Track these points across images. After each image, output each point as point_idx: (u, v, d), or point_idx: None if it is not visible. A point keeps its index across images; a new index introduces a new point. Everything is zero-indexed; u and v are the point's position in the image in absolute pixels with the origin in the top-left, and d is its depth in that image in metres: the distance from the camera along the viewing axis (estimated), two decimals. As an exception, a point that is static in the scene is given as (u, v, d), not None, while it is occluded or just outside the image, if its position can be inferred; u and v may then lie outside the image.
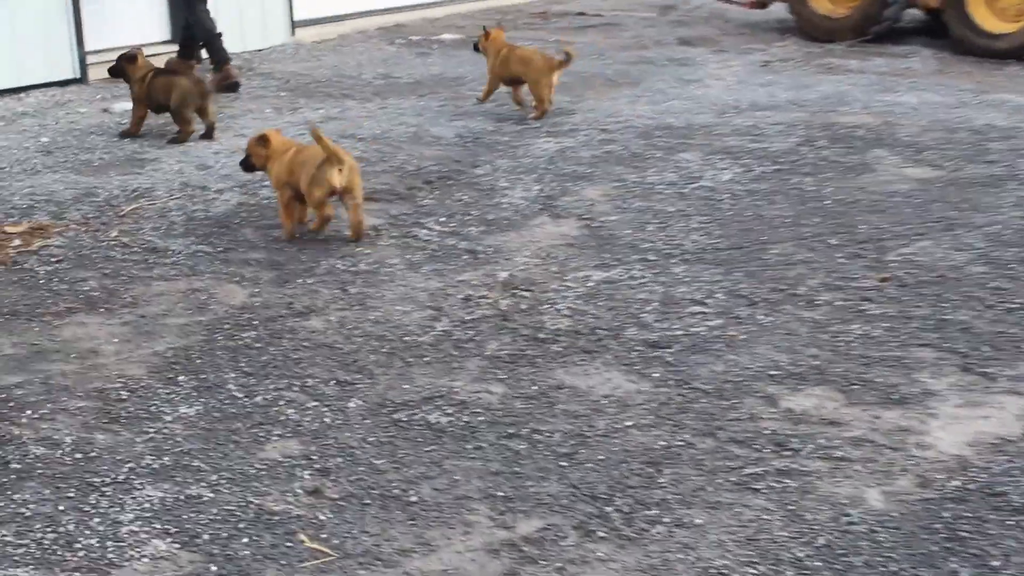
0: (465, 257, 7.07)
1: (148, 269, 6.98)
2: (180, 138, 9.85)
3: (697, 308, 6.24)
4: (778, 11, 14.97)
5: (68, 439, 5.02)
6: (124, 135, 9.97)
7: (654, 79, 12.31)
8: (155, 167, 9.13)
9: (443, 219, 7.76)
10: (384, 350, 5.82)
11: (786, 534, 4.25)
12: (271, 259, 7.09)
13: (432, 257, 7.08)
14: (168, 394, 5.41)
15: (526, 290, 6.53)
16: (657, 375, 5.51)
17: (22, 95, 11.64)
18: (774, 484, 4.57)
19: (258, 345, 5.91)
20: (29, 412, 5.27)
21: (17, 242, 7.45)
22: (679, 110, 10.81)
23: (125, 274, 6.90)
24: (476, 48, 10.87)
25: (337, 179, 7.02)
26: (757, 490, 4.53)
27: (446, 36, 15.28)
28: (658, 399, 5.28)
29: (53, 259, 7.14)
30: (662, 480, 4.61)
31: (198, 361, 5.75)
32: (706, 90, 11.75)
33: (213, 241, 7.42)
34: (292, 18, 14.61)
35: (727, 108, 10.86)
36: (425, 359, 5.72)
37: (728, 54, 13.73)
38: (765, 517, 4.36)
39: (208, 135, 9.96)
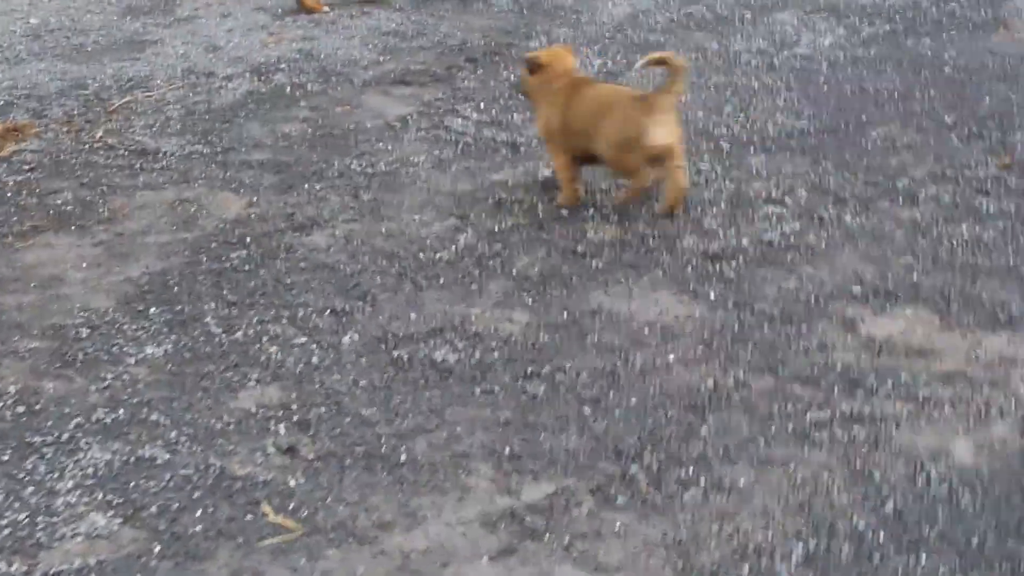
0: (503, 152, 6.82)
1: (133, 176, 6.82)
2: None
3: (772, 208, 5.95)
4: None
5: (12, 388, 4.89)
6: None
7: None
8: (156, 51, 8.96)
9: (483, 105, 7.50)
10: (393, 271, 5.61)
11: (846, 498, 4.00)
12: (276, 160, 6.90)
13: (464, 153, 6.84)
14: (135, 331, 5.26)
15: (570, 191, 6.26)
16: (714, 295, 5.24)
17: (13, -33, 11.53)
18: (839, 433, 4.31)
19: (247, 268, 5.73)
20: (-28, 355, 5.15)
21: (-13, 146, 7.34)
22: (780, -41, 10.37)
23: (106, 183, 6.75)
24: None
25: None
26: (818, 442, 4.27)
27: None
28: (711, 326, 5.02)
29: (26, 167, 7.01)
30: (703, 430, 4.37)
31: (175, 289, 5.59)
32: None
33: (212, 140, 7.24)
34: None
35: (839, -46, 10.40)
36: (440, 281, 5.50)
37: None
38: (824, 476, 4.11)
39: None
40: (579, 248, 5.69)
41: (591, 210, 6.01)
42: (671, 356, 4.82)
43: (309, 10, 9.59)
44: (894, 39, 8.14)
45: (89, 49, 9.10)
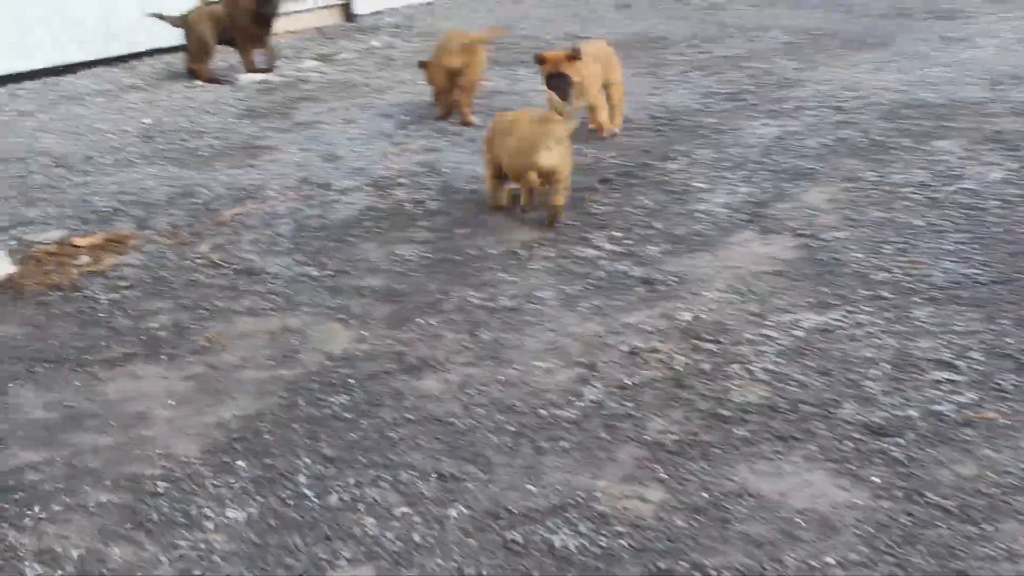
0: (639, 289, 6.19)
1: (235, 299, 6.29)
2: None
3: (943, 373, 5.23)
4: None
5: (75, 552, 4.33)
6: None
7: (908, 38, 11.21)
8: (273, 157, 8.49)
9: (617, 233, 6.89)
10: (510, 429, 4.98)
11: None
12: (390, 288, 6.33)
13: (595, 288, 6.22)
14: (218, 487, 4.68)
15: (712, 340, 5.61)
16: (878, 479, 4.52)
17: (134, 63, 11.18)
18: (1037, 673, 3.57)
19: (349, 416, 5.14)
20: (37, 508, 4.60)
21: (85, 259, 6.85)
22: (938, 80, 9.73)
23: (205, 306, 6.23)
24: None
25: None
26: None
27: (655, -17, 14.42)
28: (876, 518, 4.30)
29: (122, 283, 6.52)
30: (871, 659, 3.66)
31: (267, 436, 5.01)
32: (976, 52, 10.63)
33: (323, 261, 6.71)
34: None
35: (1003, 78, 9.73)
36: (562, 444, 4.85)
37: (1009, 3, 12.48)
38: None
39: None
40: (722, 411, 5.02)
41: (736, 365, 5.34)
42: (829, 557, 4.11)
43: (465, 123, 9.05)
44: (1070, 175, 7.41)
45: (202, 153, 8.67)
